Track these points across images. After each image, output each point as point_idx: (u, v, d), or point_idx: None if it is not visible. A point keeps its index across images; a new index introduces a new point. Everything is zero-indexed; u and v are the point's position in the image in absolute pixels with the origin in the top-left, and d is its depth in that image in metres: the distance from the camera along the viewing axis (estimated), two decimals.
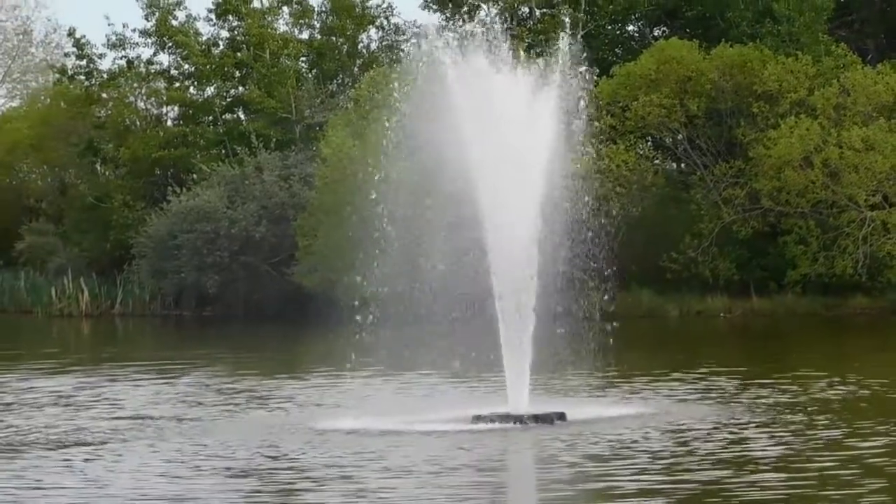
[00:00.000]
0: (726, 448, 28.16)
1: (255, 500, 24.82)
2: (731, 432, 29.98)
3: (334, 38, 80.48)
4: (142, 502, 24.26)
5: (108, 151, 79.26)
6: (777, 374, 39.62)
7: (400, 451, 28.93)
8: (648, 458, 27.30)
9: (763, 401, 34.92)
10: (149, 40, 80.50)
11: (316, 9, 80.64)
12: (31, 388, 42.49)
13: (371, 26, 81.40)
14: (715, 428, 30.63)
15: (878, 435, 29.39)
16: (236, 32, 79.25)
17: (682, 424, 31.12)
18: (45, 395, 40.57)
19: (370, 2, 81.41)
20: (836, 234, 60.85)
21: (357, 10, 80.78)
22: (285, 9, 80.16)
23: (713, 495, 23.83)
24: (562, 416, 31.89)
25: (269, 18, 79.71)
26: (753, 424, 31.15)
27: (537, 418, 31.67)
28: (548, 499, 25.39)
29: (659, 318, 55.18)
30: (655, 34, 73.57)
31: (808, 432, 29.90)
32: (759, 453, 27.57)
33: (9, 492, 25.80)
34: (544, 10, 75.48)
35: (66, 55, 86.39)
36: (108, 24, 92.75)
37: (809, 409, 33.64)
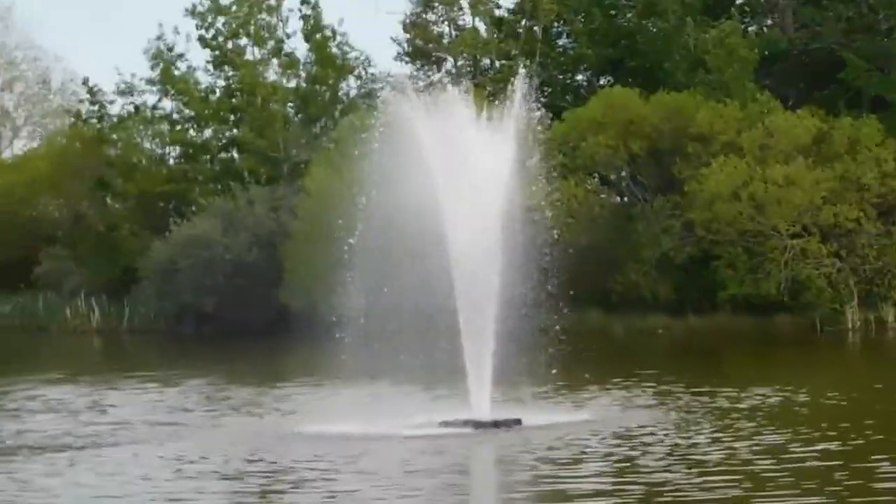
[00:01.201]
0: (673, 451, 28.08)
1: (235, 502, 24.61)
2: (676, 436, 29.90)
3: (318, 86, 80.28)
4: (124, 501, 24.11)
5: (118, 186, 79.04)
6: (716, 384, 39.49)
7: (372, 455, 28.86)
8: (601, 460, 27.26)
9: (704, 407, 34.83)
10: (154, 88, 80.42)
11: (302, 60, 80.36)
12: (36, 395, 42.18)
13: (350, 76, 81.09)
14: (661, 432, 30.50)
15: (816, 440, 29.22)
16: (231, 81, 79.07)
17: (630, 429, 31.04)
18: (48, 402, 40.39)
19: (350, 54, 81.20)
20: (761, 260, 60.85)
21: (338, 61, 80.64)
22: (275, 60, 79.91)
23: (662, 496, 23.70)
24: (518, 422, 31.76)
25: (261, 69, 79.46)
26: (697, 429, 31.02)
27: (497, 424, 31.64)
28: (509, 499, 25.30)
29: (605, 335, 54.98)
30: (602, 83, 73.48)
31: (753, 437, 29.76)
32: (705, 457, 27.45)
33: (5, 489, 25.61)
34: (503, 61, 75.25)
35: (81, 101, 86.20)
36: (118, 74, 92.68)
37: (749, 414, 33.59)
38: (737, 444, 28.57)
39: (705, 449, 28.06)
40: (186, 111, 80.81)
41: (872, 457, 26.46)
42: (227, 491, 25.07)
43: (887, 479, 24.14)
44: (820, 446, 28.14)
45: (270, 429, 33.05)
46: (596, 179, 65.31)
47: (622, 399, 36.92)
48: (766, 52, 72.88)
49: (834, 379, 43.99)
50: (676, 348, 53.02)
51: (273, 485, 25.57)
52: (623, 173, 67.19)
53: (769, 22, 78.21)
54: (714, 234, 61.78)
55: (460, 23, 79.92)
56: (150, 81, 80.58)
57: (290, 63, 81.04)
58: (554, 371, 35.83)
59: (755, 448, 28.15)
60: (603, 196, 65.51)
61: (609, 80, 73.50)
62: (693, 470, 25.53)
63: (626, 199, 67.00)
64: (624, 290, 62.38)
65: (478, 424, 31.70)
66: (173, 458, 28.60)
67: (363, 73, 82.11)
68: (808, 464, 26.14)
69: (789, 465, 25.98)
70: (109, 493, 25.10)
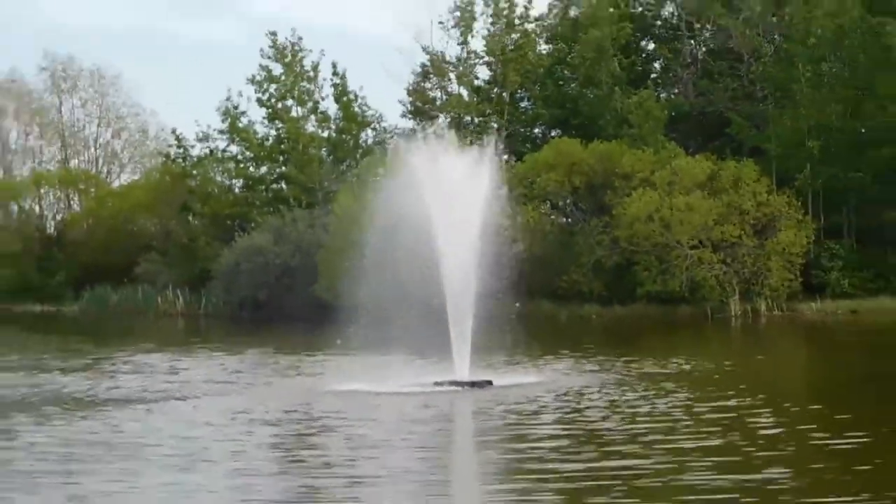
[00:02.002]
0: (610, 405, 27.83)
1: (275, 442, 23.99)
2: (612, 394, 29.64)
3: (344, 136, 79.96)
4: (187, 442, 23.40)
5: (196, 209, 78.91)
6: (638, 355, 39.16)
7: (381, 407, 28.54)
8: (554, 412, 27.03)
9: (631, 373, 34.66)
10: (223, 136, 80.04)
11: (332, 116, 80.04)
12: (131, 360, 41.73)
13: (368, 128, 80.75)
14: (600, 391, 30.28)
15: (716, 397, 28.83)
16: (280, 132, 78.86)
17: (576, 389, 30.84)
18: (139, 365, 40.15)
19: (368, 112, 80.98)
20: (668, 265, 60.63)
21: (359, 117, 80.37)
22: (312, 116, 79.59)
23: (602, 438, 23.10)
24: (490, 383, 31.49)
25: (302, 123, 79.07)
26: (627, 389, 30.86)
27: (474, 384, 31.30)
28: (482, 440, 24.78)
29: (553, 320, 54.55)
30: (553, 134, 73.18)
31: (669, 394, 29.42)
32: (633, 409, 27.12)
33: (95, 431, 25.02)
34: (480, 118, 74.77)
35: (170, 146, 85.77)
36: (197, 126, 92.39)
37: (665, 377, 33.48)
38: (657, 400, 28.28)
39: (633, 403, 27.67)
40: (247, 153, 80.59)
41: (756, 410, 26.13)
42: (269, 434, 24.71)
43: (770, 427, 23.92)
44: (719, 402, 27.79)
45: (305, 387, 32.69)
46: (547, 205, 65.21)
47: (569, 366, 36.66)
48: (673, 113, 72.67)
49: (724, 352, 43.78)
50: (607, 330, 52.68)
51: (304, 430, 25.14)
52: (567, 201, 67.11)
53: (675, 91, 77.78)
54: (634, 246, 61.57)
55: (449, 90, 79.54)
56: (221, 131, 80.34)
57: (323, 118, 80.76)
58: (514, 346, 35.54)
59: (671, 402, 27.84)
60: (552, 217, 65.48)
61: (558, 133, 73.20)
62: (625, 419, 25.12)
63: (569, 220, 66.86)
64: (567, 287, 62.16)
65: (460, 384, 31.40)
66: (229, 409, 28.15)
67: (377, 126, 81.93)
68: (710, 415, 25.66)
69: (697, 416, 25.59)
70: (179, 434, 24.58)
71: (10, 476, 20.64)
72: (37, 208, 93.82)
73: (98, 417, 27.21)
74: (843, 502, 16.92)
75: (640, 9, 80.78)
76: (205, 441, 23.89)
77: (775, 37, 70.89)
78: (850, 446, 21.59)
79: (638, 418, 25.39)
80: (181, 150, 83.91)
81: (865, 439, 22.41)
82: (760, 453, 21.14)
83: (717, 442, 22.06)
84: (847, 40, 65.93)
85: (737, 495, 17.64)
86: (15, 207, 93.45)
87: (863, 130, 65.16)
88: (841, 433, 23.18)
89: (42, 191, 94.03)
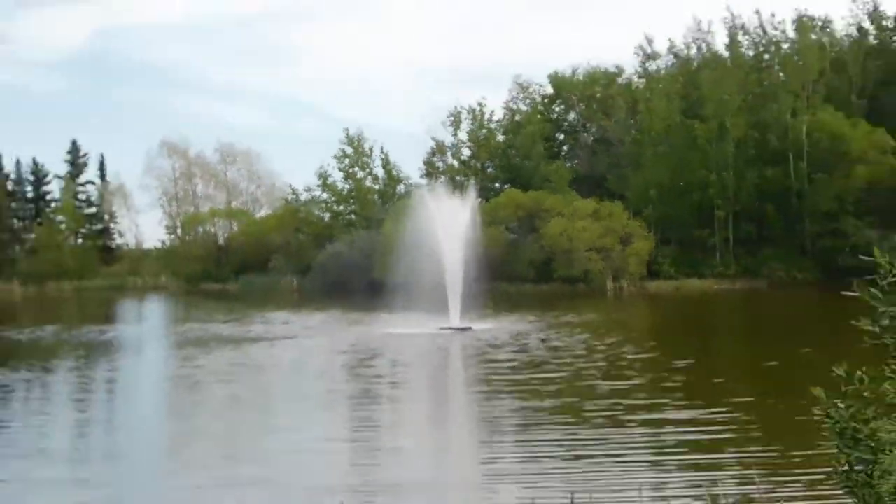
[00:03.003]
0: (543, 341, 27.59)
1: (340, 364, 23.94)
2: (544, 335, 29.31)
3: (387, 187, 79.30)
4: (293, 363, 23.45)
5: (303, 230, 78.12)
6: (556, 313, 38.85)
7: (406, 342, 28.35)
8: (509, 345, 26.80)
9: (551, 322, 34.30)
10: (319, 188, 79.38)
11: (380, 177, 79.42)
12: (261, 317, 41.46)
13: (401, 183, 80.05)
14: (538, 334, 30.08)
15: (601, 336, 28.66)
16: (350, 185, 78.01)
17: (522, 333, 30.67)
18: (266, 319, 39.80)
19: (401, 174, 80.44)
20: (571, 261, 59.89)
21: (396, 177, 79.82)
22: (369, 177, 78.96)
23: (535, 360, 22.95)
24: (470, 328, 31.33)
25: (363, 180, 78.59)
26: (552, 332, 30.72)
27: (461, 329, 31.16)
28: (465, 357, 24.66)
29: (505, 293, 53.90)
30: (505, 187, 72.17)
31: (572, 335, 29.18)
32: (558, 343, 26.87)
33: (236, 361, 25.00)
34: (465, 178, 74.26)
35: (288, 193, 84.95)
36: (303, 182, 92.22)
37: (571, 324, 33.04)
38: (567, 339, 28.10)
39: (555, 341, 27.49)
40: (332, 198, 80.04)
41: (624, 347, 26.08)
42: (338, 359, 24.68)
43: (634, 358, 23.63)
44: (605, 340, 27.63)
45: (365, 331, 32.53)
46: (502, 227, 64.24)
47: (516, 319, 36.40)
48: (574, 175, 72.02)
49: (604, 310, 43.45)
50: (537, 298, 52.16)
51: (361, 355, 25.01)
52: (514, 225, 66.22)
53: (576, 162, 76.93)
54: (552, 250, 61.07)
55: (447, 162, 79.27)
56: (317, 185, 79.84)
57: (375, 178, 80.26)
58: (485, 309, 35.41)
59: (575, 338, 27.75)
60: (505, 234, 64.39)
61: (508, 186, 72.42)
62: (552, 350, 24.99)
63: (515, 235, 65.93)
64: (514, 273, 61.56)
65: (453, 329, 31.30)
66: (316, 345, 28.09)
67: (406, 182, 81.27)
68: (599, 346, 25.55)
69: (590, 347, 25.42)
70: (288, 358, 24.53)
71: (185, 386, 20.69)
72: (213, 229, 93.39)
73: (239, 349, 27.30)
74: (672, 401, 17.01)
75: (555, 115, 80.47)
76: (302, 362, 23.96)
77: (632, 131, 70.60)
78: (674, 365, 21.74)
79: (559, 350, 25.40)
80: (294, 196, 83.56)
81: (683, 361, 22.57)
82: (625, 371, 21.22)
83: (601, 364, 22.10)
84: (672, 133, 65.85)
85: (611, 395, 17.67)
86: (201, 229, 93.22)
87: (681, 184, 65.06)
88: (671, 358, 23.32)
89: (215, 220, 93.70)
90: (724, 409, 15.20)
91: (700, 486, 10.40)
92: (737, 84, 63.84)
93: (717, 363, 23.33)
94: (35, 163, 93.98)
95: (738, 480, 10.52)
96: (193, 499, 10.73)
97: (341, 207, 79.84)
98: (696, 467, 11.42)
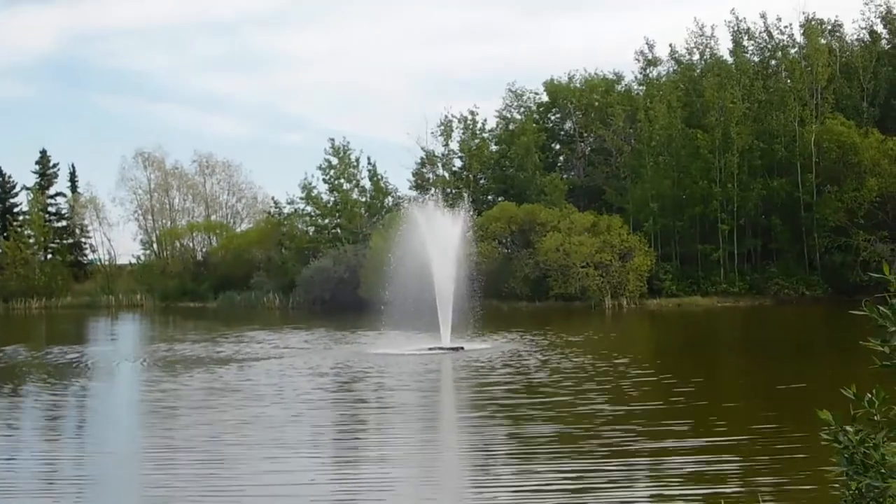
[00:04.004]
0: (541, 363, 27.39)
1: (326, 385, 23.66)
2: (540, 356, 29.22)
3: (375, 200, 79.15)
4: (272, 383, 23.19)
5: (286, 244, 78.27)
6: (553, 333, 38.58)
7: (396, 363, 28.07)
8: (502, 367, 26.64)
9: (547, 341, 34.02)
10: (302, 200, 79.04)
11: (367, 188, 79.24)
12: (245, 336, 41.13)
13: (389, 196, 79.98)
14: (533, 354, 29.78)
15: (601, 357, 28.49)
16: (336, 198, 77.87)
17: (516, 352, 30.59)
18: (252, 338, 39.45)
19: (389, 185, 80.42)
20: (568, 277, 59.81)
21: (384, 189, 79.68)
22: (356, 189, 78.80)
23: (531, 382, 22.74)
24: (462, 348, 31.15)
25: (349, 192, 78.43)
26: (551, 352, 30.39)
27: (453, 349, 31.03)
28: (458, 378, 24.45)
29: (499, 311, 53.79)
30: (499, 199, 72.35)
31: (576, 356, 28.92)
32: (557, 364, 26.69)
33: (211, 384, 24.71)
34: (456, 190, 74.30)
35: (271, 206, 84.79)
36: (286, 194, 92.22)
37: (570, 344, 32.83)
38: (564, 359, 27.85)
39: (552, 362, 27.25)
40: (317, 211, 79.76)
41: (627, 368, 25.81)
42: (321, 381, 24.36)
43: (637, 380, 23.44)
44: (605, 360, 27.44)
45: (351, 351, 32.26)
46: (495, 242, 64.24)
47: (509, 338, 36.19)
48: (571, 187, 72.13)
49: (603, 329, 43.24)
50: (532, 316, 52.01)
51: (346, 377, 24.76)
52: (507, 239, 66.30)
53: (572, 173, 77.12)
54: (547, 266, 61.01)
55: (437, 173, 79.12)
56: (301, 198, 79.47)
57: (362, 190, 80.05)
58: (475, 327, 35.19)
59: (578, 360, 27.47)
60: (498, 249, 64.38)
61: (502, 198, 72.47)
62: (549, 371, 24.79)
63: (508, 250, 66.02)
64: (508, 290, 61.50)
65: (444, 349, 31.10)
66: (300, 365, 27.82)
67: (394, 194, 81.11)
68: (599, 366, 25.34)
69: (592, 367, 25.25)
70: (264, 381, 24.25)
71: (153, 413, 20.38)
72: (191, 244, 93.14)
73: (211, 371, 27.05)
74: (678, 427, 16.78)
75: (551, 124, 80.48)
76: (281, 385, 23.67)
77: (631, 140, 70.60)
78: (679, 388, 21.53)
79: (554, 369, 25.16)
80: (277, 209, 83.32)
81: (689, 384, 22.37)
82: (629, 393, 20.99)
83: (602, 386, 21.86)
84: (673, 142, 65.81)
85: (614, 420, 17.42)
86: (178, 244, 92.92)
87: (683, 196, 64.99)
88: (676, 380, 23.12)
89: (194, 234, 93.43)
90: (734, 436, 14.95)
91: None
92: (741, 91, 63.85)
93: (726, 385, 23.09)
94: (1, 173, 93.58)
95: None
96: None
97: (326, 221, 79.66)
98: (704, 499, 11.15)
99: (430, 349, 31.08)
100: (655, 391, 21.03)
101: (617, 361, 27.07)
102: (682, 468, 12.99)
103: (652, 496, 11.58)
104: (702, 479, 12.32)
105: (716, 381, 23.76)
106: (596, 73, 79.01)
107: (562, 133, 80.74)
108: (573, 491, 11.90)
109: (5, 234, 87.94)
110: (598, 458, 13.70)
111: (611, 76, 78.44)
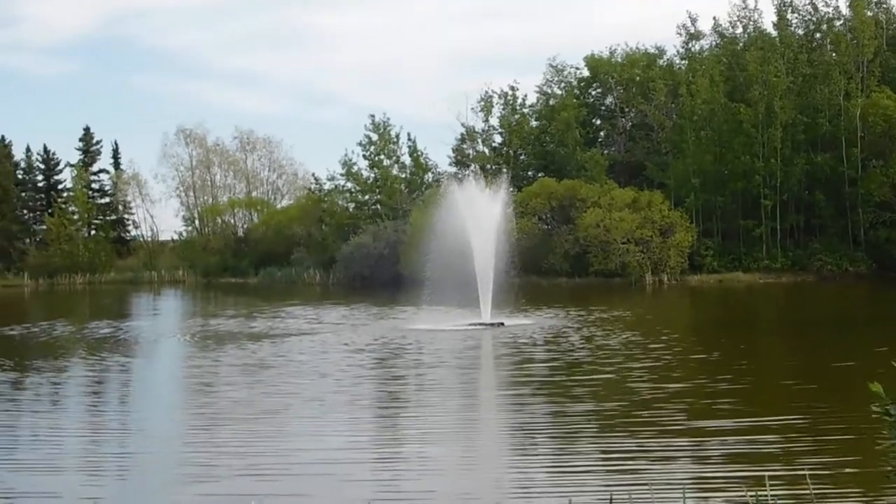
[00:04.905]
0: (582, 339, 27.14)
1: (365, 361, 23.60)
2: (582, 332, 29.04)
3: (415, 176, 79.09)
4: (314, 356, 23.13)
5: (326, 220, 78.20)
6: (593, 308, 38.35)
7: (436, 339, 27.98)
8: (543, 342, 26.42)
9: (587, 318, 33.82)
10: (343, 177, 79.24)
11: (407, 165, 79.28)
12: (283, 310, 41.29)
13: (429, 172, 79.95)
14: (574, 329, 29.63)
15: (646, 333, 28.25)
16: (376, 174, 77.83)
17: (557, 328, 30.39)
18: (290, 312, 39.60)
19: (429, 161, 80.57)
20: (608, 253, 59.65)
21: (423, 165, 79.62)
22: (395, 165, 78.84)
23: (572, 358, 22.58)
24: (503, 324, 30.98)
25: (389, 169, 78.39)
26: (590, 328, 30.33)
27: (493, 324, 30.89)
28: (498, 354, 24.31)
29: (538, 287, 53.67)
30: (539, 175, 71.90)
31: (617, 332, 28.72)
32: (602, 341, 26.44)
33: (250, 360, 24.68)
34: (496, 166, 74.09)
35: (311, 183, 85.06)
36: (327, 171, 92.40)
37: (612, 321, 32.59)
38: (606, 336, 27.67)
39: (593, 338, 27.04)
40: (357, 187, 79.77)
41: (670, 345, 25.51)
42: (360, 358, 24.25)
43: (681, 358, 23.15)
44: (647, 337, 27.22)
45: (390, 327, 32.16)
46: (535, 218, 63.92)
47: (549, 314, 36.02)
48: (611, 162, 71.61)
49: (644, 305, 42.97)
50: (571, 293, 51.78)
51: (384, 353, 24.73)
52: (547, 215, 66.02)
53: (613, 149, 76.46)
54: (587, 242, 60.72)
55: (477, 149, 78.82)
56: (341, 174, 79.62)
57: (402, 166, 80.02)
58: (516, 302, 35.05)
59: (620, 337, 27.25)
60: (538, 225, 64.08)
61: (542, 174, 72.01)
62: (590, 348, 24.60)
63: (548, 226, 65.71)
64: (547, 266, 61.25)
65: (485, 325, 30.97)
66: (339, 341, 27.77)
67: (434, 170, 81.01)
68: (640, 343, 25.12)
69: (634, 344, 25.05)
70: (303, 357, 24.23)
71: (194, 388, 20.40)
72: (232, 220, 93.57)
73: (250, 346, 27.08)
74: (724, 405, 16.55)
75: (592, 99, 79.85)
76: (322, 361, 23.59)
77: (673, 115, 69.87)
78: (725, 365, 21.24)
79: (595, 346, 24.93)
80: (317, 186, 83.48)
81: (735, 361, 22.09)
82: (673, 372, 20.74)
83: (645, 363, 21.62)
84: (715, 117, 65.10)
85: (658, 399, 17.19)
86: (220, 220, 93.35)
87: (725, 171, 64.32)
88: (721, 358, 22.84)
89: (235, 210, 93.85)
90: (779, 415, 14.66)
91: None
92: (785, 65, 62.98)
93: (770, 363, 22.69)
94: (46, 150, 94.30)
95: (791, 490, 10.05)
96: None
97: (366, 197, 79.63)
98: (748, 479, 10.90)
99: (470, 325, 30.94)
100: (699, 369, 20.74)
101: (660, 338, 26.75)
102: (725, 448, 12.74)
103: (694, 476, 11.34)
104: (746, 458, 12.07)
105: (760, 358, 23.37)
106: (637, 48, 78.24)
107: (602, 108, 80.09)
108: (615, 471, 11.70)
109: (50, 211, 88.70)
110: (640, 437, 13.47)
111: (652, 50, 77.61)
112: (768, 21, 69.27)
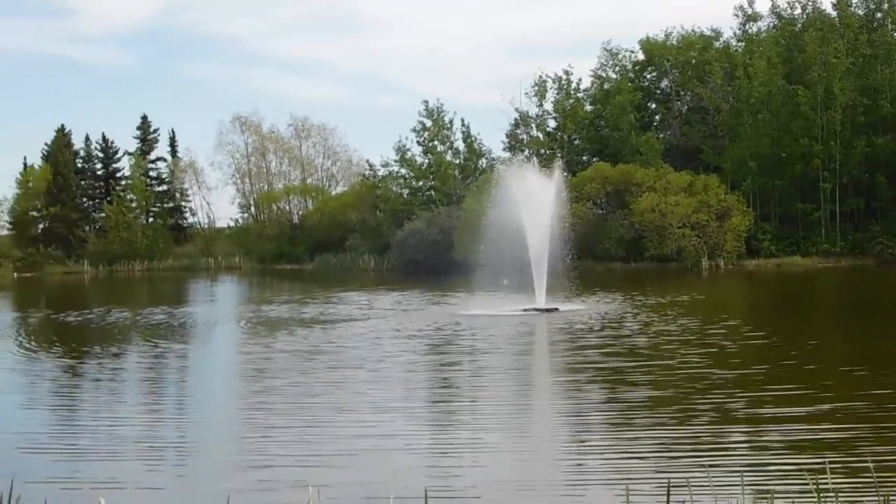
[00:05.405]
0: (640, 325, 26.88)
1: (419, 347, 23.50)
2: (632, 315, 28.84)
3: (468, 161, 79.09)
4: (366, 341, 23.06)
5: (381, 207, 78.37)
6: (649, 293, 38.05)
7: (491, 324, 27.86)
8: (599, 328, 26.16)
9: (643, 303, 33.55)
10: (397, 163, 79.63)
11: (461, 150, 79.38)
12: (336, 296, 41.46)
13: (482, 157, 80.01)
14: (630, 315, 29.46)
15: (702, 318, 27.85)
16: (430, 160, 77.97)
17: (612, 313, 30.06)
18: (342, 299, 39.69)
19: (483, 147, 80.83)
20: (663, 238, 59.21)
21: (477, 151, 79.75)
22: (449, 151, 79.14)
23: (629, 344, 22.37)
24: (557, 309, 30.80)
25: (443, 154, 78.55)
26: (648, 313, 30.12)
27: (548, 310, 30.68)
28: (553, 340, 24.14)
29: (593, 272, 53.41)
30: (594, 160, 71.68)
31: (675, 318, 28.42)
32: (662, 327, 26.22)
33: (304, 345, 24.66)
34: (550, 151, 73.89)
35: (365, 169, 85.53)
36: (381, 157, 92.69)
37: (669, 305, 32.37)
38: (663, 321, 27.40)
39: (650, 323, 26.76)
40: (411, 174, 79.94)
41: (730, 330, 25.18)
42: (413, 343, 24.13)
43: (743, 343, 22.75)
44: (707, 322, 26.87)
45: (444, 313, 32.11)
46: (589, 203, 63.67)
47: (605, 299, 35.74)
48: (666, 146, 71.11)
49: (701, 290, 42.53)
50: (626, 278, 51.46)
51: (438, 339, 24.65)
52: (602, 200, 65.77)
53: (668, 133, 75.97)
54: (642, 227, 60.36)
55: (531, 134, 78.68)
56: (395, 160, 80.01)
57: (456, 152, 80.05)
58: (571, 287, 34.86)
59: (677, 322, 26.98)
60: (592, 210, 63.78)
61: (596, 159, 71.75)
62: (651, 333, 24.43)
63: (603, 211, 65.49)
64: (602, 251, 61.03)
65: (539, 310, 30.77)
66: (392, 328, 27.75)
67: (488, 156, 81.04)
68: (699, 328, 24.80)
69: (693, 329, 24.75)
70: (357, 342, 24.22)
71: (248, 374, 20.47)
72: (287, 207, 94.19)
73: (306, 332, 27.17)
74: (790, 392, 16.29)
75: (647, 83, 79.23)
76: (376, 346, 23.56)
77: (729, 98, 69.09)
78: (789, 352, 20.91)
79: (652, 332, 24.69)
80: (372, 172, 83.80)
81: (800, 347, 21.76)
82: (735, 358, 20.45)
83: (706, 349, 21.34)
84: (773, 100, 64.28)
85: (720, 385, 16.94)
86: (275, 207, 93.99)
87: (783, 155, 63.59)
88: (785, 343, 22.52)
89: (290, 197, 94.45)
90: (842, 402, 14.34)
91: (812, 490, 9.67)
92: (845, 45, 62.02)
93: (833, 349, 22.19)
94: (105, 139, 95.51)
95: (853, 479, 9.83)
96: (265, 499, 10.36)
97: (420, 183, 79.71)
98: (809, 468, 10.67)
99: (525, 310, 30.80)
100: (759, 355, 20.42)
101: (718, 323, 26.40)
102: (784, 435, 12.50)
103: (753, 464, 11.15)
104: (805, 446, 11.83)
105: (820, 344, 22.91)
106: (693, 30, 77.51)
107: (658, 92, 79.44)
108: (672, 458, 11.52)
109: (109, 199, 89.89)
110: (698, 424, 13.26)
111: (708, 33, 76.84)
112: (827, 1, 68.36)
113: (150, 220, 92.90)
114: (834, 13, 66.46)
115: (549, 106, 78.51)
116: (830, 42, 61.89)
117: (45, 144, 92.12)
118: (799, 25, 68.35)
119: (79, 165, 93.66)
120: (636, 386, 16.61)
